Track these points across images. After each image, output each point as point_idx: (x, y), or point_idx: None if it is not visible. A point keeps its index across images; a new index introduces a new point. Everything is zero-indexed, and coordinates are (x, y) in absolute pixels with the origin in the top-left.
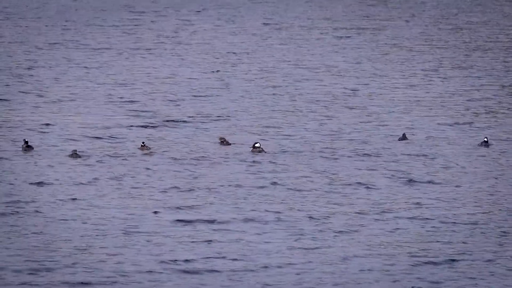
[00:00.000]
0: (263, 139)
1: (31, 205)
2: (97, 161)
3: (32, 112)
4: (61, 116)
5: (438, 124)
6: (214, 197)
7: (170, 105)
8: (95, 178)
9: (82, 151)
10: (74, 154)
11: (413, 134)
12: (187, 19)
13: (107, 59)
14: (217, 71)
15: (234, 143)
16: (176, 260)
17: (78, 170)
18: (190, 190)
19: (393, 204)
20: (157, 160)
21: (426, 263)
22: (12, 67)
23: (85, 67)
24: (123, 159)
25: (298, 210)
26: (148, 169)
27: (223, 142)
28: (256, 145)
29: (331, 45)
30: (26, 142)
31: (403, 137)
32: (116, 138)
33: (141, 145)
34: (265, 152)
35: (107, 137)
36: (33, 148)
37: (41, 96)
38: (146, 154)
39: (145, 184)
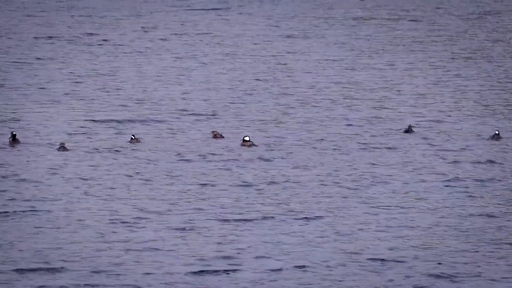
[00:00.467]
0: (272, 134)
1: (18, 202)
2: (85, 154)
3: (25, 105)
4: (55, 110)
5: (449, 116)
6: (218, 195)
7: (168, 99)
8: (82, 172)
9: (71, 144)
10: (62, 148)
11: (423, 127)
12: (193, 9)
13: (105, 51)
14: None
15: (227, 137)
16: (185, 260)
17: (64, 164)
18: (191, 185)
19: (403, 199)
20: (146, 155)
21: (438, 257)
22: (9, 59)
23: (84, 59)
24: (114, 153)
25: (307, 207)
26: (139, 164)
27: (216, 136)
28: (246, 138)
29: (342, 36)
30: (14, 135)
31: (409, 129)
32: (108, 131)
33: (131, 138)
34: (256, 145)
35: (98, 131)
36: (20, 142)
37: (40, 89)
38: (137, 148)
39: (140, 179)
